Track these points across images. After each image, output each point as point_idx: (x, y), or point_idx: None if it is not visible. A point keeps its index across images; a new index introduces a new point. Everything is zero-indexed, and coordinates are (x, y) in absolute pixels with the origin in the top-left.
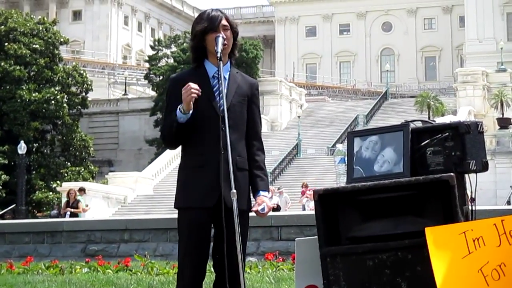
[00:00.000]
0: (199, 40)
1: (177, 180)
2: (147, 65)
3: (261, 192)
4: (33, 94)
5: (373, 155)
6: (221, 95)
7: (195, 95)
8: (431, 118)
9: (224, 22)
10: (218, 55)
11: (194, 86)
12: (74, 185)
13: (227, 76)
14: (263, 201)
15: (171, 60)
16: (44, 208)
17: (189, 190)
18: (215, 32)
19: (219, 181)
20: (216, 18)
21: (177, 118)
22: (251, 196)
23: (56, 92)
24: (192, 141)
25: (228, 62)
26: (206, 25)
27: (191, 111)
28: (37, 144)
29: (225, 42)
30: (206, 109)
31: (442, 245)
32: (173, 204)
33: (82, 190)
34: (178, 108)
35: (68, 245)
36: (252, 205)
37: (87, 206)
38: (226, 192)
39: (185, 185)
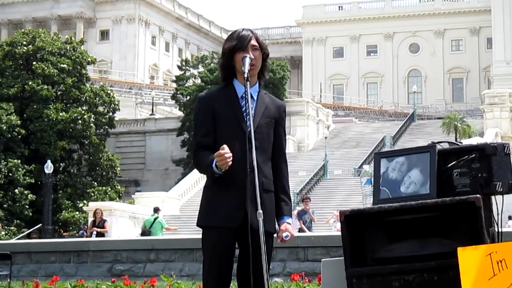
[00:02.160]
0: (227, 59)
1: (201, 198)
2: (174, 85)
3: (286, 218)
4: (60, 114)
5: (399, 176)
6: (249, 116)
7: (229, 164)
8: (458, 140)
9: (253, 42)
10: (245, 75)
11: (228, 155)
12: (100, 205)
13: (255, 97)
14: (287, 229)
15: (198, 80)
16: (71, 228)
17: (214, 209)
18: (243, 51)
19: (244, 202)
20: (246, 37)
21: (212, 170)
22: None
23: (83, 111)
24: None
25: (257, 83)
26: (235, 43)
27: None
28: (63, 164)
29: (253, 62)
30: (234, 129)
31: (472, 265)
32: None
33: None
34: (214, 163)
35: (94, 265)
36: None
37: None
38: (252, 213)
39: (210, 204)
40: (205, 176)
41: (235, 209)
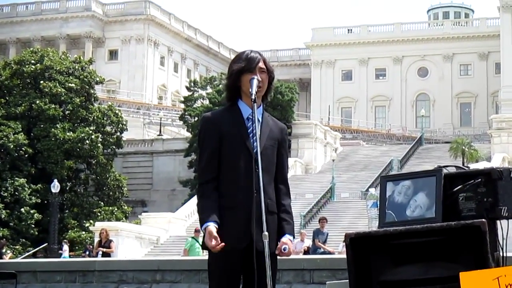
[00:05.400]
0: (234, 80)
1: None
2: (182, 106)
3: (287, 235)
4: (68, 133)
5: (405, 199)
6: (255, 137)
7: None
8: (465, 164)
9: (261, 64)
10: (253, 97)
11: (219, 248)
12: (107, 225)
13: (260, 119)
14: (286, 243)
15: (206, 102)
16: (77, 247)
17: (221, 231)
18: (251, 73)
19: (250, 224)
20: (254, 59)
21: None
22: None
23: (90, 131)
24: (225, 181)
25: (261, 105)
26: (243, 65)
27: None
28: (70, 183)
29: (260, 84)
30: (240, 151)
31: None
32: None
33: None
34: (204, 227)
35: (100, 285)
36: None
37: None
38: (258, 235)
39: (217, 226)
40: None
41: (241, 231)
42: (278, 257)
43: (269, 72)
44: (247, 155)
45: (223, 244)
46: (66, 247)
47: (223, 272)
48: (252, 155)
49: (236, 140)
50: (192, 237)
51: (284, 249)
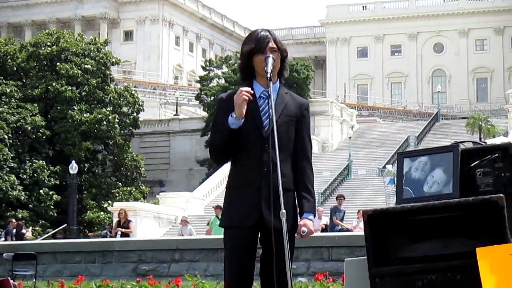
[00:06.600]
0: (246, 61)
1: (224, 199)
2: (198, 85)
3: (305, 214)
4: (85, 115)
5: (422, 175)
6: (266, 116)
7: (247, 98)
8: (482, 140)
9: (271, 44)
10: (268, 75)
11: (246, 89)
12: (125, 205)
13: (274, 96)
14: (306, 224)
15: (222, 81)
16: (96, 228)
17: (231, 209)
18: (262, 54)
19: (260, 202)
20: (264, 39)
21: (229, 125)
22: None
23: (107, 112)
24: (237, 160)
25: (277, 82)
26: (253, 46)
27: (242, 119)
28: (88, 164)
29: (273, 63)
30: (252, 130)
31: (493, 265)
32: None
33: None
34: (230, 115)
35: (119, 265)
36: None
37: None
38: (266, 212)
39: (228, 204)
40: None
41: (249, 209)
42: (301, 238)
43: (280, 51)
44: (257, 134)
45: (248, 89)
46: (25, 230)
47: (233, 249)
48: (262, 133)
49: (247, 118)
50: (216, 216)
51: (303, 232)
